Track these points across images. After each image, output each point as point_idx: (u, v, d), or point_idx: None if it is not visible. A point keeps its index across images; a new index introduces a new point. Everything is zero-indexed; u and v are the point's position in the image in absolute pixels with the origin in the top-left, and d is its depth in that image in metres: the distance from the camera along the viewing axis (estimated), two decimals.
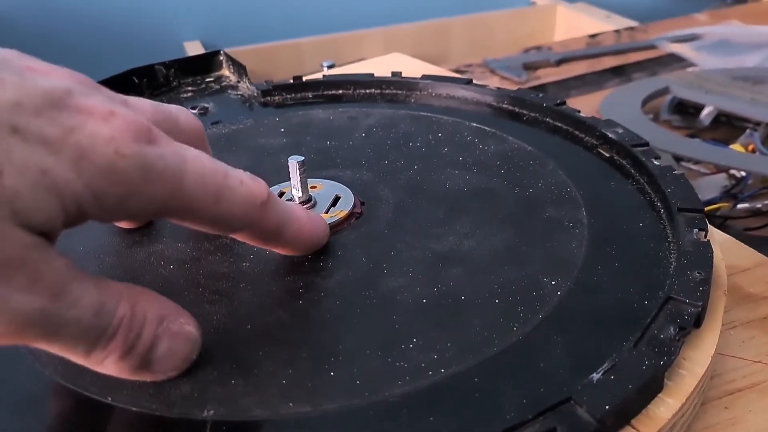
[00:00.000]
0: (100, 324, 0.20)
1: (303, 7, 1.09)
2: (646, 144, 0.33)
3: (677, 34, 0.84)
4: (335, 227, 0.30)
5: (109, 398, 0.21)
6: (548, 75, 0.74)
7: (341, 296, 0.26)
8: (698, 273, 0.24)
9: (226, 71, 0.47)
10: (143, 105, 0.24)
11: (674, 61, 0.77)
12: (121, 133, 0.20)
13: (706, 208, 0.34)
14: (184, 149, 0.22)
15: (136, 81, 0.44)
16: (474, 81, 0.43)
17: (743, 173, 0.51)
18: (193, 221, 0.23)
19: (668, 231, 0.28)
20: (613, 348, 0.22)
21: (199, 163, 0.22)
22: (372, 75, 0.45)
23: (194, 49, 0.97)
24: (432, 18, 1.07)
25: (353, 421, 0.20)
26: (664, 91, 0.65)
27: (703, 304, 0.23)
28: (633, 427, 0.20)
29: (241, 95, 0.45)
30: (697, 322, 0.23)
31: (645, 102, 0.63)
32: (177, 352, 0.22)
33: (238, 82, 0.46)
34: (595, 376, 0.21)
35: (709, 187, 0.51)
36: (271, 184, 0.32)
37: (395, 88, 0.44)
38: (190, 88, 0.46)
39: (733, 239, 0.34)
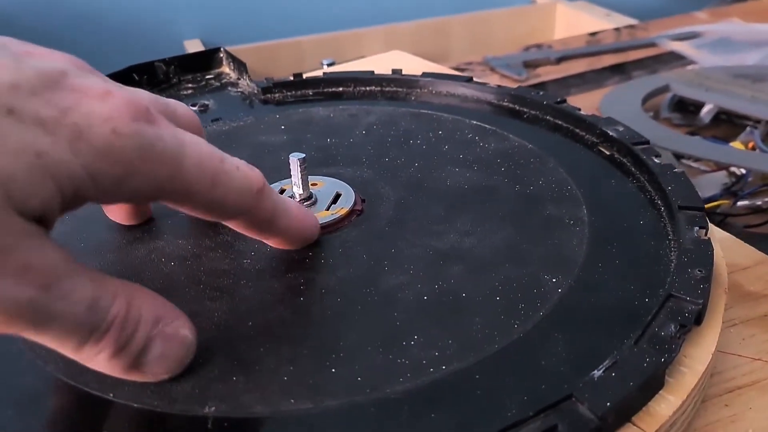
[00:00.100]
0: (93, 319, 0.19)
1: (303, 5, 1.09)
2: (647, 142, 0.33)
3: (677, 32, 0.83)
4: (336, 224, 0.30)
5: (111, 394, 0.21)
6: (548, 73, 0.74)
7: (342, 293, 0.26)
8: (699, 271, 0.24)
9: (226, 68, 0.47)
10: (141, 94, 0.24)
11: (674, 59, 0.77)
12: (119, 112, 0.20)
13: (706, 206, 0.34)
14: (182, 133, 0.22)
15: (136, 78, 0.44)
16: (474, 79, 0.43)
17: (743, 170, 0.51)
18: (189, 205, 0.22)
19: (669, 229, 0.28)
20: (614, 345, 0.22)
21: (197, 146, 0.22)
22: (372, 72, 0.45)
23: (194, 47, 0.97)
24: (432, 16, 1.07)
25: (354, 418, 0.20)
26: (665, 88, 0.65)
27: (703, 302, 0.23)
28: (634, 424, 0.20)
29: (242, 92, 0.45)
30: (698, 319, 0.23)
31: (645, 100, 0.63)
32: (170, 355, 0.21)
33: (239, 79, 0.46)
34: (596, 373, 0.21)
35: (709, 184, 0.51)
36: (271, 181, 0.32)
37: (395, 86, 0.44)
38: (190, 86, 0.46)
39: (734, 237, 0.34)
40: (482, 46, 1.02)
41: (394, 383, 0.21)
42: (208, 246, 0.29)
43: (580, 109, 0.37)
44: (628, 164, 0.33)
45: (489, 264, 0.27)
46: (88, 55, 0.22)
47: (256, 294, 0.26)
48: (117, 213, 0.30)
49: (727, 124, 0.61)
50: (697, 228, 0.27)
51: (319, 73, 0.46)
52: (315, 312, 0.25)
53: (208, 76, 0.47)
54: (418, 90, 0.43)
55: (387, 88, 0.44)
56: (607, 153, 0.34)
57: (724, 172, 0.52)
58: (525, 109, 0.40)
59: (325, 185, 0.32)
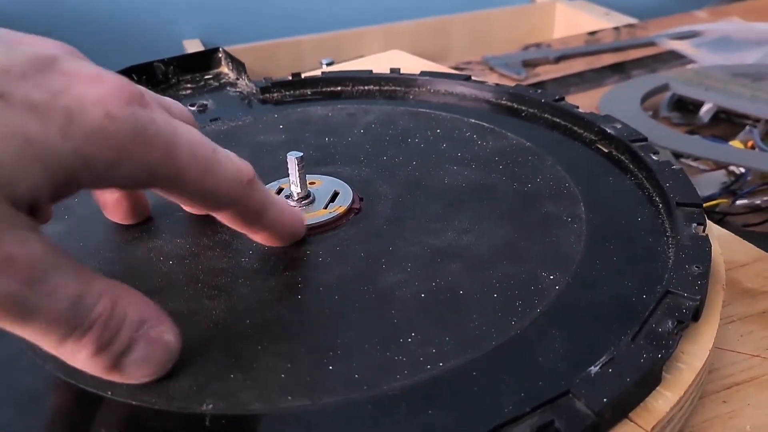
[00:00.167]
0: (76, 317, 0.19)
1: (303, 5, 1.09)
2: (645, 139, 0.33)
3: (677, 31, 0.83)
4: (334, 223, 0.30)
5: (109, 392, 0.21)
6: (547, 72, 0.74)
7: (340, 291, 0.26)
8: (696, 267, 0.24)
9: (225, 68, 0.47)
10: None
11: (674, 58, 0.77)
12: (112, 95, 0.19)
13: (705, 205, 0.34)
14: (175, 120, 0.22)
15: (135, 78, 0.44)
16: (473, 78, 0.43)
17: (742, 170, 0.51)
18: (181, 193, 0.22)
19: (666, 225, 0.28)
20: (611, 342, 0.22)
21: (190, 134, 0.22)
22: (371, 72, 0.45)
23: (194, 47, 0.97)
24: (432, 16, 1.07)
25: (352, 415, 0.20)
26: (664, 88, 0.65)
27: (701, 298, 0.23)
28: (631, 421, 0.20)
29: (240, 92, 0.45)
30: (696, 315, 0.23)
31: (644, 99, 0.63)
32: (152, 359, 0.21)
33: (237, 79, 0.46)
34: (593, 369, 0.21)
35: (708, 183, 0.51)
36: (269, 180, 0.33)
37: (394, 85, 0.44)
38: (189, 86, 0.46)
39: (732, 234, 0.34)
40: (482, 46, 1.02)
41: (392, 380, 0.21)
42: (207, 245, 0.29)
43: (578, 107, 0.37)
44: (626, 161, 0.33)
45: (486, 261, 0.27)
46: (88, 54, 0.22)
47: (254, 292, 0.26)
48: (115, 212, 0.30)
49: (727, 123, 0.61)
50: (695, 224, 0.27)
51: (318, 72, 0.46)
52: (312, 310, 0.25)
53: (206, 77, 0.47)
54: (417, 89, 0.43)
55: (385, 87, 0.44)
56: (605, 150, 0.34)
57: (723, 171, 0.52)
58: (523, 107, 0.40)
59: (323, 184, 0.32)
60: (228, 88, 0.45)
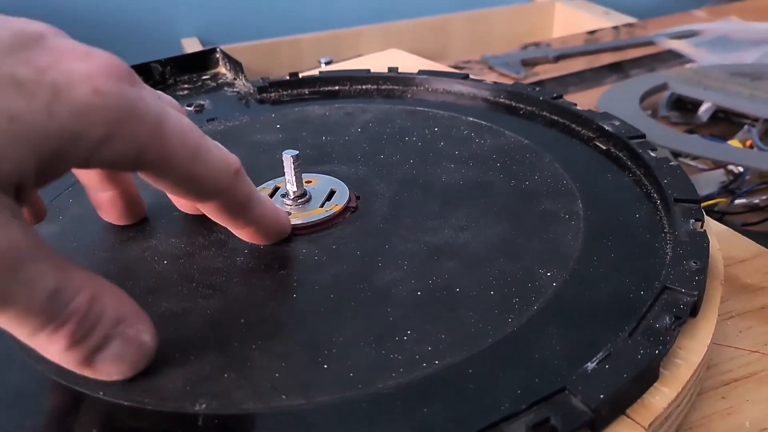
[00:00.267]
0: (52, 309, 0.19)
1: (302, 3, 1.08)
2: (643, 136, 0.33)
3: (676, 31, 0.83)
4: (330, 221, 0.29)
5: (101, 393, 0.21)
6: (546, 71, 0.74)
7: (335, 290, 0.25)
8: (694, 263, 0.24)
9: (222, 68, 0.47)
10: None
11: (673, 57, 0.77)
12: (100, 70, 0.19)
13: (703, 204, 0.34)
14: (164, 104, 0.21)
15: None
16: (471, 77, 0.43)
17: (741, 169, 0.51)
18: (168, 179, 0.22)
19: (664, 222, 0.28)
20: (609, 338, 0.22)
21: (179, 118, 0.21)
22: (368, 71, 0.45)
23: (192, 45, 0.97)
24: (431, 14, 1.06)
25: (347, 414, 0.20)
26: (663, 87, 0.65)
27: (699, 293, 0.23)
28: (628, 417, 0.20)
29: (237, 92, 0.44)
30: (693, 311, 0.23)
31: (643, 98, 0.63)
32: (126, 357, 0.21)
33: (234, 79, 0.46)
34: (590, 365, 0.20)
35: (707, 182, 0.51)
36: (266, 179, 0.32)
37: (392, 84, 0.44)
38: (186, 86, 0.46)
39: (731, 230, 0.34)
40: (481, 45, 1.02)
41: (387, 378, 0.21)
42: (202, 244, 0.29)
43: (576, 105, 0.37)
44: (624, 158, 0.33)
45: (483, 259, 0.27)
46: None
47: (249, 291, 0.26)
48: (110, 212, 0.30)
49: (725, 122, 0.61)
50: (693, 220, 0.26)
51: (316, 71, 0.46)
52: (307, 308, 0.25)
53: (204, 77, 0.47)
54: (414, 88, 0.43)
55: (383, 86, 0.44)
56: (603, 147, 0.34)
57: (721, 171, 0.52)
58: (521, 105, 0.40)
59: (319, 182, 0.32)
60: (225, 89, 0.45)
